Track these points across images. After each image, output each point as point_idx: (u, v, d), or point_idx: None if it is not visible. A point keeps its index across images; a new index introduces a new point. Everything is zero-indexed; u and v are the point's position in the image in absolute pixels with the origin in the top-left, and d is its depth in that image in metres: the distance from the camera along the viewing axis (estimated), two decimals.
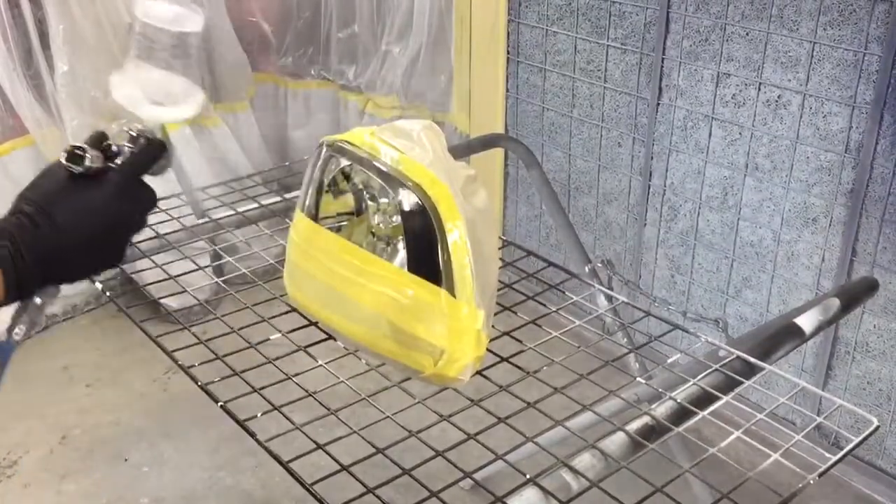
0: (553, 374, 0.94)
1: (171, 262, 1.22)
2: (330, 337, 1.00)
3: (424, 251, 0.90)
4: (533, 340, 1.00)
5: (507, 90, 2.48)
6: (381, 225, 1.03)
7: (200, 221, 1.44)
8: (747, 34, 1.86)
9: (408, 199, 0.92)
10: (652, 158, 2.15)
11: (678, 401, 0.86)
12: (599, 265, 1.52)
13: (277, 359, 0.95)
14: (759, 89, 1.88)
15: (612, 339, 1.27)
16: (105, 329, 2.56)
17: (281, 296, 1.05)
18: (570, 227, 1.55)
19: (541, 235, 2.55)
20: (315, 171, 1.03)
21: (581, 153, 2.33)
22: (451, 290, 0.88)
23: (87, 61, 2.37)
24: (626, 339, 1.42)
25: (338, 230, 1.03)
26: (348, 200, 1.04)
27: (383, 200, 1.03)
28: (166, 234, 1.28)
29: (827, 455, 0.82)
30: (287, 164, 1.67)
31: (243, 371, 0.93)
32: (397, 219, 0.99)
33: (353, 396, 0.93)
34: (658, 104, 2.09)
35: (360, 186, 1.03)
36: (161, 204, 1.36)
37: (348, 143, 1.01)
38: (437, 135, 0.99)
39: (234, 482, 2.01)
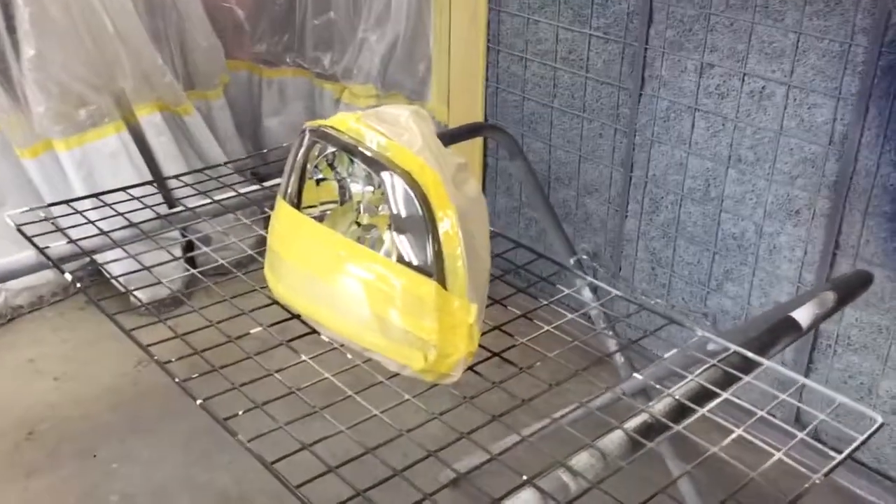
0: (543, 370, 0.90)
1: (144, 252, 1.17)
2: (313, 331, 0.96)
3: (414, 241, 0.86)
4: (522, 335, 0.96)
5: (487, 79, 2.44)
6: (366, 214, 0.99)
7: (174, 210, 1.39)
8: (732, 24, 1.84)
9: (396, 187, 0.88)
10: (634, 149, 2.13)
11: (676, 397, 0.83)
12: (584, 257, 1.49)
13: (258, 354, 0.91)
14: (744, 80, 1.86)
15: (605, 333, 1.24)
16: (72, 321, 2.49)
17: (261, 287, 1.01)
18: (554, 218, 1.52)
19: (520, 227, 2.52)
20: (297, 157, 0.99)
21: (561, 144, 2.31)
22: (442, 283, 0.84)
23: (56, 45, 2.29)
24: (612, 333, 1.40)
25: (321, 219, 0.99)
26: (332, 188, 1.00)
27: (368, 188, 0.99)
28: (139, 223, 1.23)
29: (816, 453, 0.79)
30: (265, 150, 1.62)
31: (223, 367, 0.89)
32: (384, 208, 0.96)
33: (338, 392, 0.89)
34: (640, 94, 2.07)
35: (345, 174, 0.99)
36: (134, 191, 1.31)
37: (333, 128, 0.97)
38: (425, 121, 0.95)
39: (208, 479, 1.96)
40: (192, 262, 1.61)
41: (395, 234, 0.88)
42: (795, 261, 1.89)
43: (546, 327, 0.96)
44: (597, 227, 2.30)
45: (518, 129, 2.40)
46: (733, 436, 0.78)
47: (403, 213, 0.87)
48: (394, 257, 0.88)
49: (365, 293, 0.87)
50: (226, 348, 0.93)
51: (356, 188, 0.99)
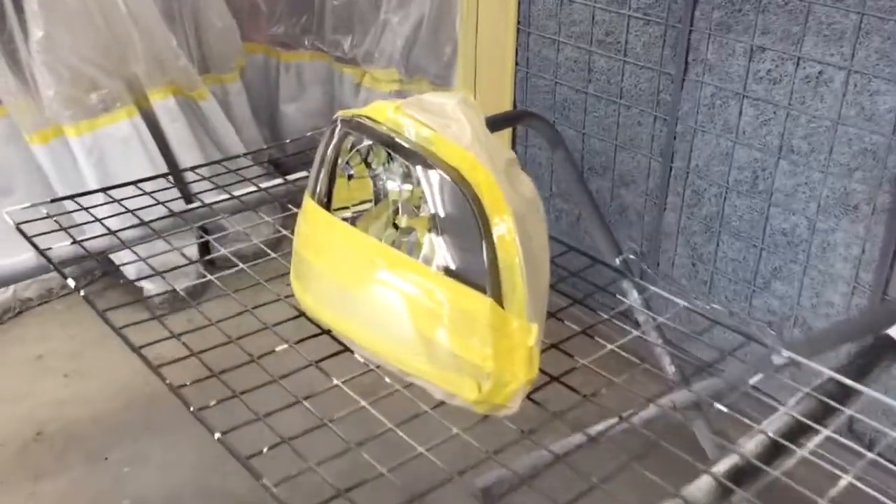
0: (611, 397, 0.79)
1: (156, 254, 1.06)
2: (346, 348, 0.85)
3: (462, 249, 0.75)
4: (582, 353, 0.85)
5: (517, 63, 2.31)
6: (404, 216, 0.88)
7: (190, 207, 1.28)
8: (786, 4, 1.71)
9: (441, 187, 0.76)
10: (675, 139, 2.00)
11: (770, 434, 0.72)
12: (632, 257, 1.37)
13: (284, 377, 0.79)
14: (798, 65, 1.73)
15: (678, 354, 1.12)
16: (81, 315, 2.39)
17: (286, 297, 0.90)
18: (598, 213, 1.40)
19: (550, 218, 2.40)
20: (328, 150, 0.87)
21: (596, 132, 2.18)
22: (498, 299, 0.73)
23: (65, 26, 2.18)
24: (681, 353, 1.28)
25: (353, 221, 0.87)
26: (366, 186, 0.89)
27: (406, 187, 0.87)
28: (151, 221, 1.12)
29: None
30: (286, 140, 1.51)
31: (243, 392, 0.78)
32: (425, 209, 0.84)
33: (375, 423, 0.78)
34: (683, 80, 1.94)
35: (380, 170, 0.88)
36: (146, 186, 1.20)
37: (368, 118, 0.85)
38: (474, 110, 0.83)
39: (222, 483, 1.87)
40: (209, 263, 1.50)
41: (438, 238, 0.77)
42: (852, 259, 1.76)
43: (609, 346, 0.84)
44: (633, 220, 2.18)
45: (549, 116, 2.27)
46: (844, 483, 0.67)
47: (450, 216, 0.76)
48: (434, 266, 0.77)
49: (407, 309, 0.76)
50: (247, 369, 0.82)
51: (393, 186, 0.88)
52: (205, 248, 2.19)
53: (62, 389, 2.14)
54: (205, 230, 1.21)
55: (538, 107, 2.30)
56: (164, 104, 2.41)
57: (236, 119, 2.65)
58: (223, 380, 0.78)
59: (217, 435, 0.71)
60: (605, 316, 0.89)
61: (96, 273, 2.40)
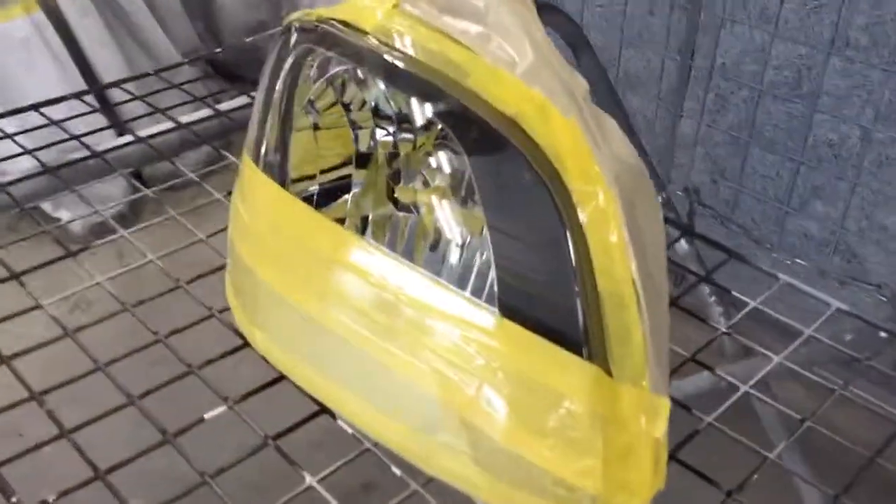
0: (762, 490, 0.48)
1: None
2: (323, 409, 0.52)
3: (530, 264, 0.42)
4: (703, 405, 0.53)
5: None
6: (404, 183, 0.55)
7: (120, 141, 0.93)
8: None
9: (487, 155, 0.43)
10: (698, 31, 1.67)
11: None
12: (680, 193, 1.05)
13: (219, 475, 0.47)
14: None
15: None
16: None
17: (220, 311, 0.57)
18: (636, 137, 1.07)
19: None
20: (277, 81, 0.53)
21: (597, 23, 1.83)
22: (602, 360, 0.41)
23: None
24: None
25: (324, 200, 0.54)
26: (343, 139, 0.55)
27: (406, 136, 0.54)
28: (61, 166, 0.77)
29: None
30: (249, 39, 1.10)
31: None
32: (441, 177, 0.51)
33: None
34: None
35: (365, 113, 0.54)
36: (50, 112, 0.85)
37: (345, 24, 0.50)
38: (527, 6, 0.49)
39: None
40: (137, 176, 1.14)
41: (479, 239, 0.44)
42: None
43: (744, 387, 0.53)
44: (641, 129, 1.86)
45: None
46: None
47: (500, 204, 0.43)
48: (469, 285, 0.44)
49: (429, 372, 0.43)
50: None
51: (385, 136, 0.54)
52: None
53: None
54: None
55: None
56: None
57: (161, 13, 2.23)
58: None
59: None
60: (726, 328, 0.59)
61: None
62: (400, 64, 0.46)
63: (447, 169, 0.51)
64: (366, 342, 0.46)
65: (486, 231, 0.43)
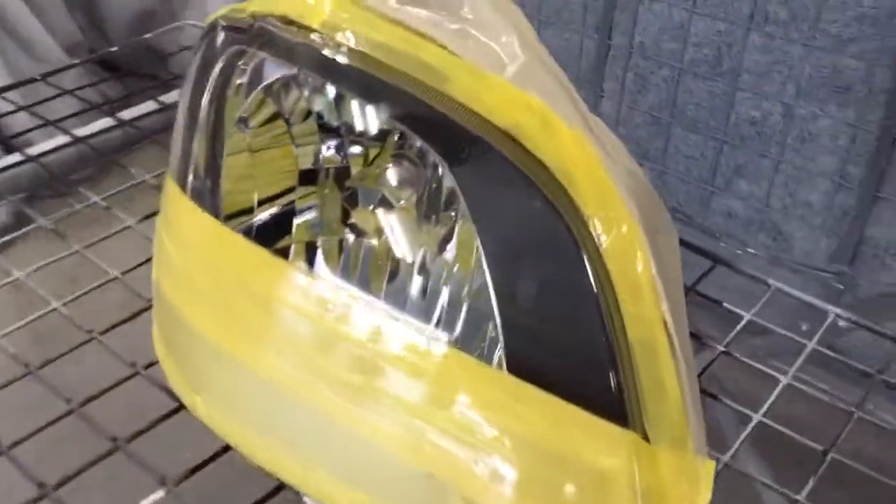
0: None
1: None
2: (283, 486, 0.44)
3: (537, 309, 0.35)
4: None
5: None
6: (363, 206, 0.46)
7: (8, 161, 0.80)
8: None
9: (479, 174, 0.35)
10: (615, 9, 1.64)
11: None
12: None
13: None
14: None
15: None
16: None
17: (146, 367, 0.48)
18: None
19: None
20: (205, 92, 0.44)
21: (516, 1, 1.78)
22: (636, 420, 0.34)
23: None
24: None
25: (268, 231, 0.45)
26: (285, 160, 0.46)
27: (355, 150, 0.45)
28: None
29: None
30: (148, 35, 0.97)
31: None
32: (408, 193, 0.43)
33: None
34: None
35: (314, 123, 0.45)
36: None
37: (284, 20, 0.42)
38: None
39: None
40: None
41: (496, 288, 0.36)
42: (838, 151, 1.48)
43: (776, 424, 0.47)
44: None
45: None
46: None
47: (497, 235, 0.35)
48: (449, 332, 0.37)
49: (426, 454, 0.35)
50: None
51: (331, 152, 0.46)
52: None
53: None
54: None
55: None
56: None
57: (37, 1, 2.05)
58: None
59: None
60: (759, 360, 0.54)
61: None
62: (358, 67, 0.38)
63: (410, 185, 0.44)
64: (332, 406, 0.38)
65: (481, 258, 0.36)
